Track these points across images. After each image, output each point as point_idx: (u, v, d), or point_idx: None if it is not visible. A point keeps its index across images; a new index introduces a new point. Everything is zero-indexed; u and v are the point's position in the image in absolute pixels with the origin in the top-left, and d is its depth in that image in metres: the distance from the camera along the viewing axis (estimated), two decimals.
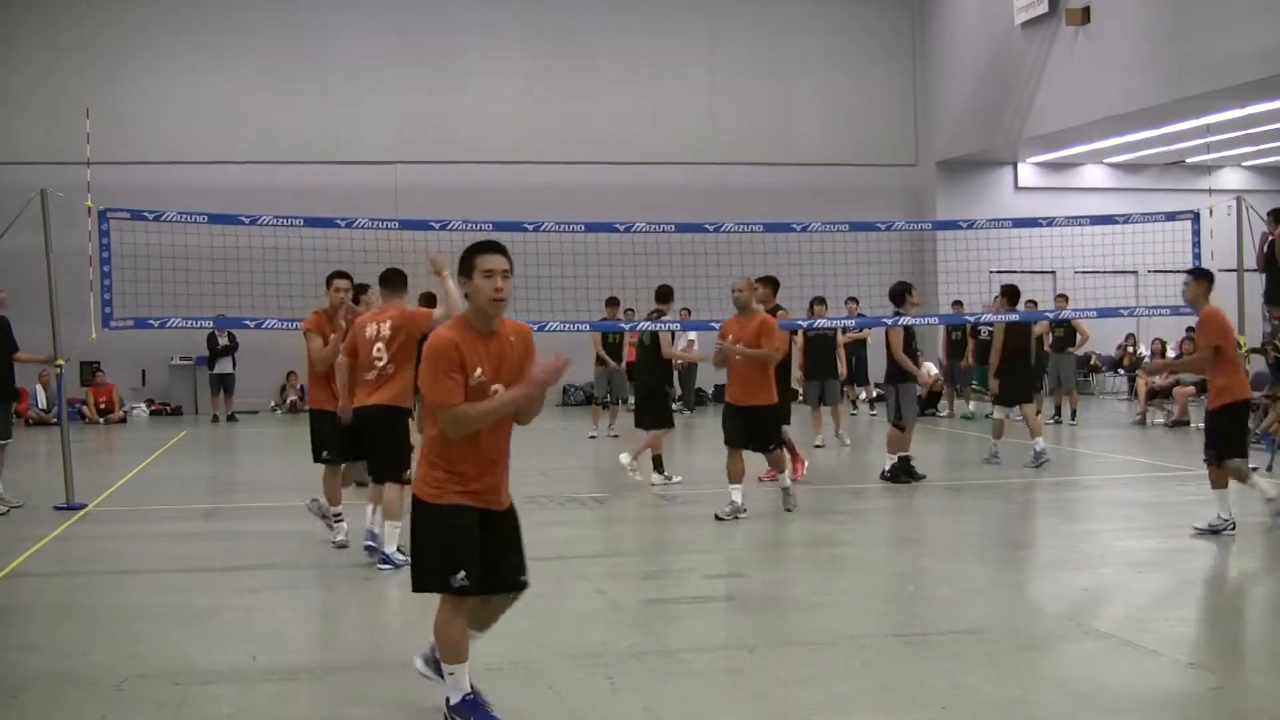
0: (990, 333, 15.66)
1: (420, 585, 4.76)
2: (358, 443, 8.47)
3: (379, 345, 8.13)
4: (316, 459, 8.75)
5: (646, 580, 7.81)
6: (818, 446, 15.11)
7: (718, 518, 9.67)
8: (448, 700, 4.86)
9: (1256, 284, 13.07)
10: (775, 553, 9.13)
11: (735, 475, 9.80)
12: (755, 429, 9.84)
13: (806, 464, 12.33)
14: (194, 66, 22.48)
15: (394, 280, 8.42)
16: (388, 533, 7.99)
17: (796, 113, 24.63)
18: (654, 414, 12.11)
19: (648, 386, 12.39)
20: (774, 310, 12.25)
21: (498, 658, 6.07)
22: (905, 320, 12.30)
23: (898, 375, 12.10)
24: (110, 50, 22.24)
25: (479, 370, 4.63)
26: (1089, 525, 10.01)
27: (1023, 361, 13.87)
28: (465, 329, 4.69)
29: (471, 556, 4.66)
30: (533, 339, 4.88)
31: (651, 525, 10.20)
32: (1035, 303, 19.00)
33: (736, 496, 9.76)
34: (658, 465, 11.99)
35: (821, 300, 15.13)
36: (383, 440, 8.14)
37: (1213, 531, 8.91)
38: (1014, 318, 16.12)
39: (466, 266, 4.68)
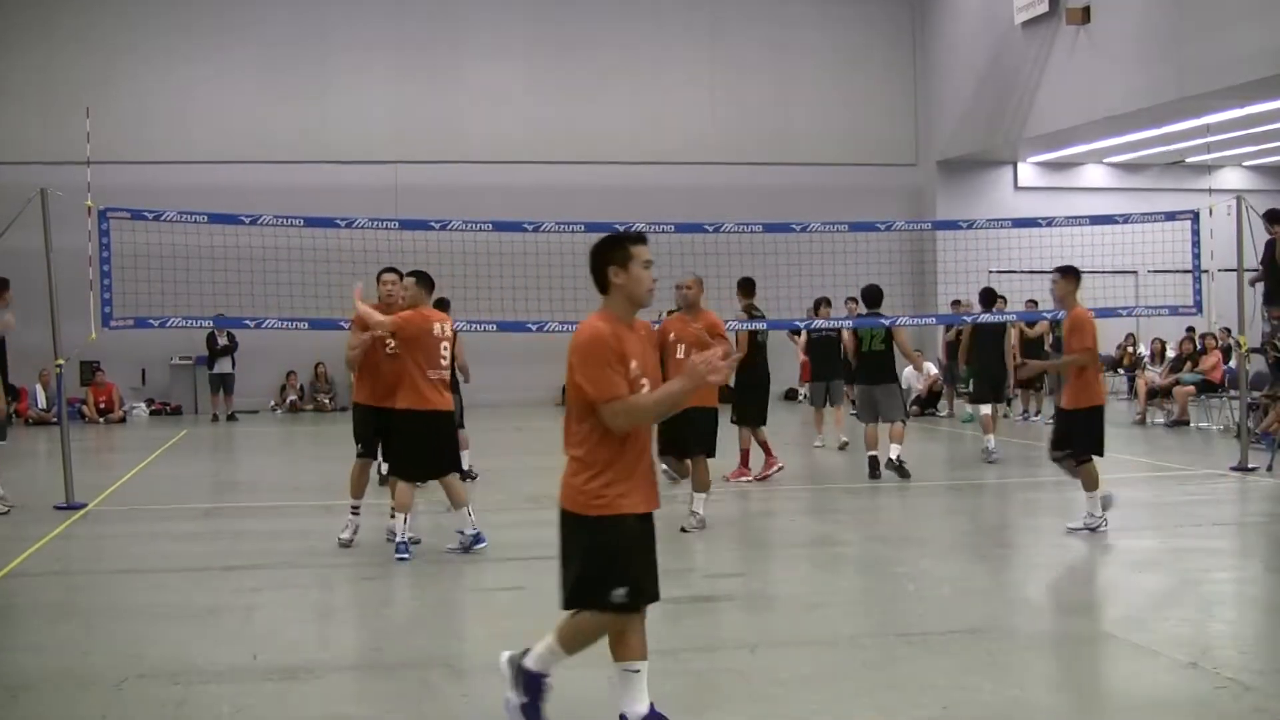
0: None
1: (575, 601, 4.58)
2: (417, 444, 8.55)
3: (445, 345, 8.26)
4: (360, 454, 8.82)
5: None
6: (817, 446, 15.09)
7: (684, 530, 9.20)
8: (623, 717, 4.65)
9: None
10: (775, 553, 9.13)
11: (702, 485, 9.45)
12: (700, 433, 9.33)
13: (783, 465, 12.40)
14: (193, 66, 22.47)
15: (429, 282, 8.46)
16: (464, 517, 8.40)
17: (796, 112, 24.61)
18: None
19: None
20: (748, 309, 12.38)
21: (498, 657, 6.07)
22: (903, 320, 12.54)
23: (891, 374, 12.40)
24: (109, 49, 22.23)
25: (634, 363, 4.47)
26: None
27: (995, 360, 14.40)
28: (615, 321, 4.50)
29: (640, 568, 4.52)
30: (652, 333, 4.83)
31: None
32: (1036, 302, 18.99)
33: (699, 507, 9.43)
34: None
35: (826, 301, 15.10)
36: (453, 440, 8.42)
37: (1090, 530, 8.99)
38: (1012, 317, 16.19)
39: (621, 256, 4.49)
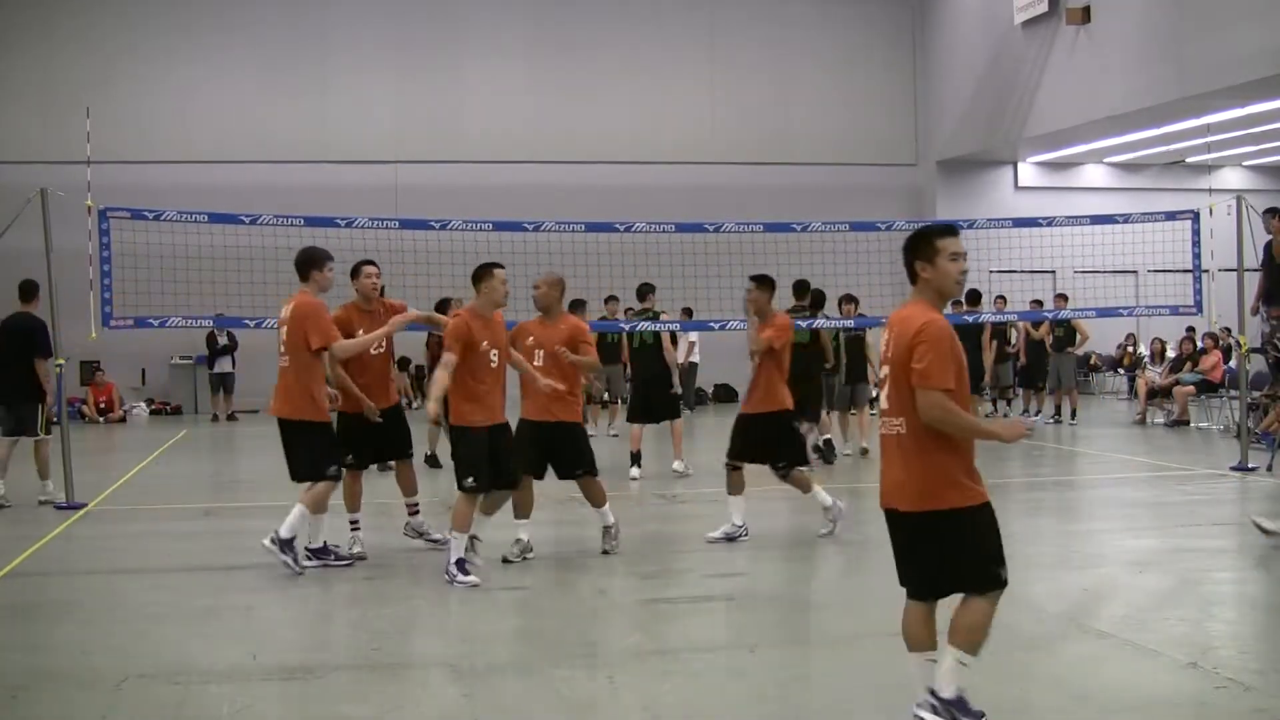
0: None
1: (999, 581, 4.62)
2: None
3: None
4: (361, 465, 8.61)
5: (646, 580, 7.81)
6: (847, 455, 14.77)
7: (506, 560, 8.11)
8: (936, 693, 4.59)
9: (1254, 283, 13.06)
10: (775, 552, 9.12)
11: (525, 507, 8.24)
12: (564, 449, 8.25)
13: None
14: (193, 66, 22.47)
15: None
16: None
17: (796, 112, 24.62)
18: (669, 405, 12.87)
19: (656, 380, 12.84)
20: (805, 310, 13.02)
21: (498, 657, 6.08)
22: (847, 322, 13.40)
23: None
24: (109, 49, 22.23)
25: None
26: (1089, 525, 10.01)
27: (968, 354, 14.70)
28: (937, 312, 4.64)
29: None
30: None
31: (652, 525, 10.18)
32: (1041, 302, 18.99)
33: (524, 534, 8.28)
34: (636, 459, 12.54)
35: (851, 299, 14.75)
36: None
37: (729, 539, 8.84)
38: (1012, 317, 16.16)
39: (928, 249, 4.59)
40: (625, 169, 23.29)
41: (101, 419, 21.07)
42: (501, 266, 7.88)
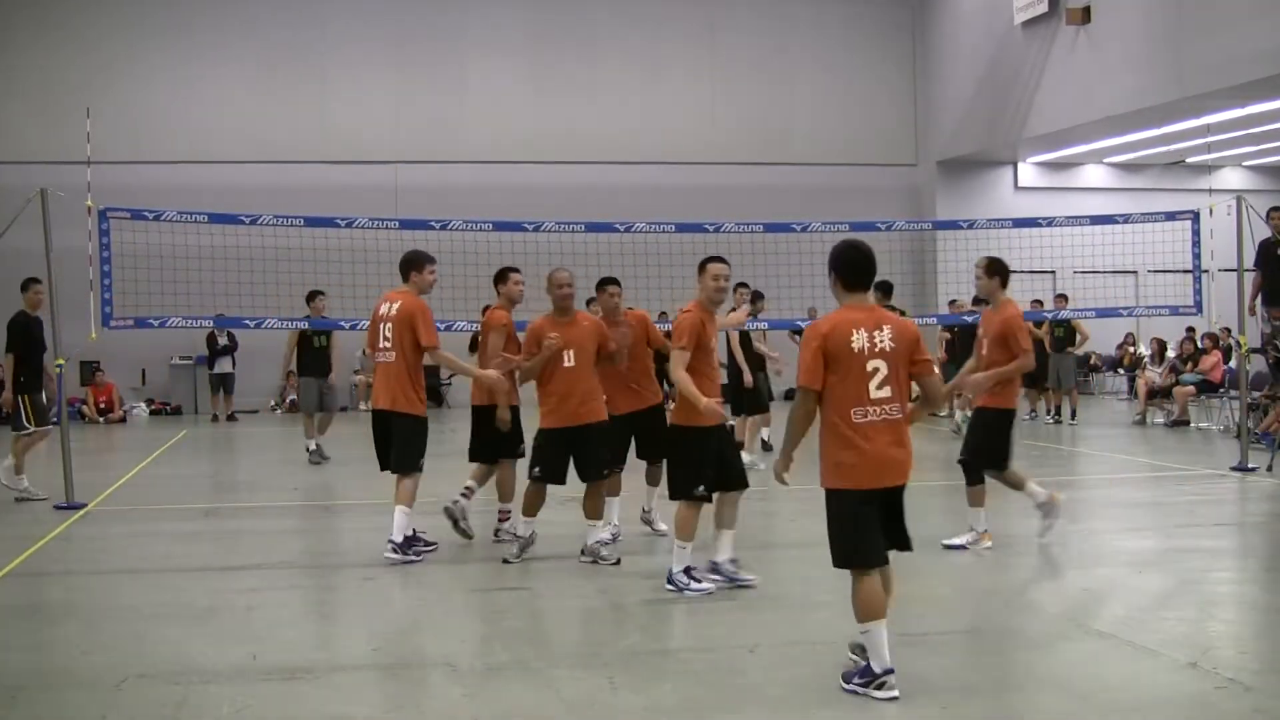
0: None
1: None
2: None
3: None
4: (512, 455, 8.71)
5: (646, 580, 7.80)
6: None
7: (506, 561, 8.11)
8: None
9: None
10: (775, 553, 9.13)
11: (532, 508, 8.18)
12: (592, 448, 8.01)
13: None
14: (193, 66, 22.49)
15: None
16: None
17: (796, 112, 24.63)
18: (753, 402, 13.18)
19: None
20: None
21: (498, 657, 6.08)
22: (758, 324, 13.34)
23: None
24: (108, 49, 22.24)
25: None
26: (1089, 525, 9.99)
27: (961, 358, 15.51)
28: None
29: None
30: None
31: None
32: (1041, 302, 18.99)
33: (523, 530, 8.25)
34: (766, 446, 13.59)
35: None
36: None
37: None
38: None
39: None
40: (625, 169, 23.30)
41: (101, 419, 21.07)
42: (720, 260, 7.40)
